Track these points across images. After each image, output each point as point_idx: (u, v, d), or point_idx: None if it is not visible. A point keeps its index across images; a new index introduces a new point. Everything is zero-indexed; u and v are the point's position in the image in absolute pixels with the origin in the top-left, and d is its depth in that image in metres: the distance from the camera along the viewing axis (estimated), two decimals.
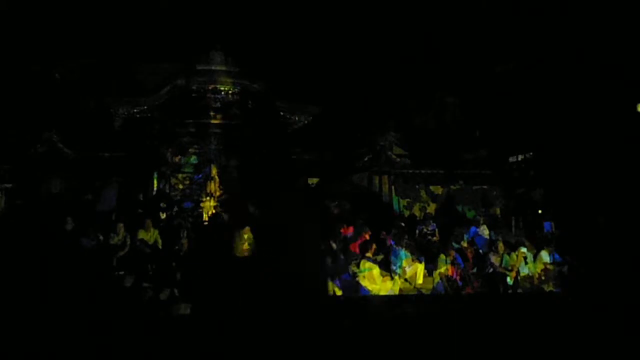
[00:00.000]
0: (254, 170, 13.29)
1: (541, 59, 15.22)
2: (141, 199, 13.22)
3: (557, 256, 11.05)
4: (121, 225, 10.50)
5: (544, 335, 7.11)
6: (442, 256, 10.38)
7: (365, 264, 10.23)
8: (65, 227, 10.46)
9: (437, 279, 10.23)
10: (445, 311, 8.88)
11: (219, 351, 6.52)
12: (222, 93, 13.22)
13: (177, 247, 10.43)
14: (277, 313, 8.74)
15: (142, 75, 13.92)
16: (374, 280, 10.17)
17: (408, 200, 15.18)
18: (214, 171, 13.39)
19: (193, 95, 13.15)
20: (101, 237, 10.39)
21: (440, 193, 15.23)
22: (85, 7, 14.20)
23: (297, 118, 13.81)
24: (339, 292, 9.75)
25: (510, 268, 10.50)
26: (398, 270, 10.50)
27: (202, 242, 10.51)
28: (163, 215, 12.91)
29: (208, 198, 13.19)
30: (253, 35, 14.64)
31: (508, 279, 10.35)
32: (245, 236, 10.29)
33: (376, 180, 14.87)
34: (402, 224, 12.25)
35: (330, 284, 9.78)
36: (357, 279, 10.07)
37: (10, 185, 12.85)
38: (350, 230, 11.74)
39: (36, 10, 13.95)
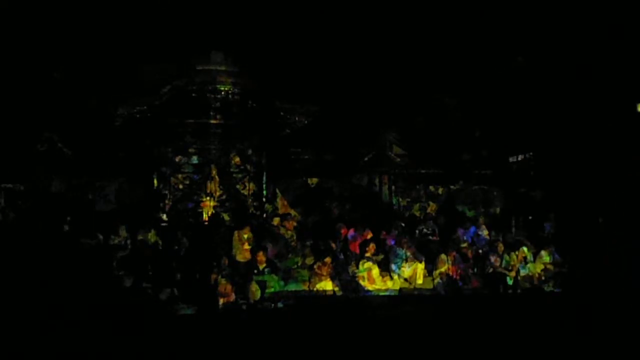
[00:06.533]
0: None
1: (541, 59, 15.22)
2: (141, 199, 13.23)
3: (557, 256, 11.06)
4: (123, 226, 10.53)
5: (544, 335, 7.12)
6: (443, 256, 10.38)
7: (365, 264, 10.24)
8: (64, 228, 10.50)
9: (437, 279, 10.23)
10: (445, 311, 8.88)
11: (219, 351, 6.52)
12: (222, 93, 13.23)
13: (177, 247, 10.44)
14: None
15: (142, 75, 13.91)
16: (374, 280, 10.18)
17: (408, 200, 15.18)
18: (214, 171, 13.39)
19: (193, 95, 13.15)
20: (101, 237, 10.40)
21: (440, 193, 15.23)
22: (85, 7, 14.19)
23: (297, 118, 13.82)
24: (339, 292, 9.76)
25: (510, 268, 10.50)
26: (398, 270, 10.51)
27: (202, 242, 10.53)
28: (164, 216, 12.96)
29: (208, 198, 13.20)
30: (253, 35, 14.63)
31: (508, 279, 10.36)
32: (245, 236, 10.30)
33: (376, 180, 14.88)
34: (402, 224, 12.25)
35: (331, 283, 9.81)
36: (357, 279, 10.08)
37: (10, 185, 12.85)
38: (350, 231, 11.76)
39: (36, 10, 13.94)
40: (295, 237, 11.24)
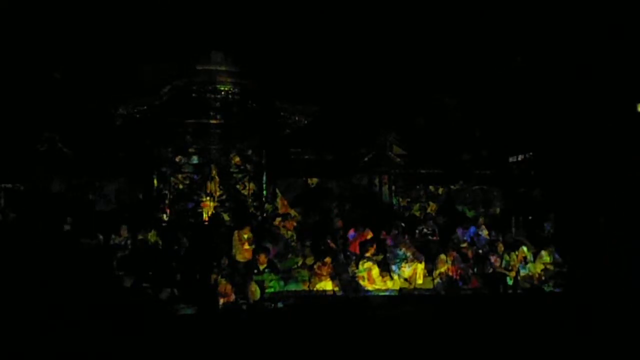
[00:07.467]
0: None
1: (541, 59, 15.22)
2: (141, 199, 13.24)
3: (557, 256, 11.06)
4: (124, 226, 10.54)
5: (544, 335, 7.12)
6: (443, 256, 10.38)
7: (365, 264, 10.25)
8: (64, 228, 10.51)
9: (437, 279, 10.23)
10: (445, 311, 8.88)
11: (219, 351, 6.53)
12: (222, 93, 13.24)
13: (177, 247, 10.45)
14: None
15: (142, 75, 13.91)
16: (374, 280, 10.19)
17: (408, 200, 15.19)
18: (214, 171, 13.40)
19: (193, 95, 13.16)
20: (101, 237, 10.41)
21: (440, 193, 15.24)
22: (86, 7, 14.21)
23: (297, 118, 13.82)
24: (339, 292, 9.77)
25: (510, 268, 10.50)
26: (398, 270, 10.51)
27: (202, 242, 10.54)
28: (164, 216, 12.97)
29: (208, 198, 13.20)
30: (253, 35, 14.64)
31: (508, 279, 10.36)
32: (245, 236, 10.30)
33: (376, 180, 14.88)
34: (402, 224, 12.26)
35: (330, 283, 9.81)
36: (357, 279, 10.09)
37: (10, 185, 12.85)
38: (350, 231, 11.75)
39: (36, 9, 13.95)
40: (295, 237, 11.25)
